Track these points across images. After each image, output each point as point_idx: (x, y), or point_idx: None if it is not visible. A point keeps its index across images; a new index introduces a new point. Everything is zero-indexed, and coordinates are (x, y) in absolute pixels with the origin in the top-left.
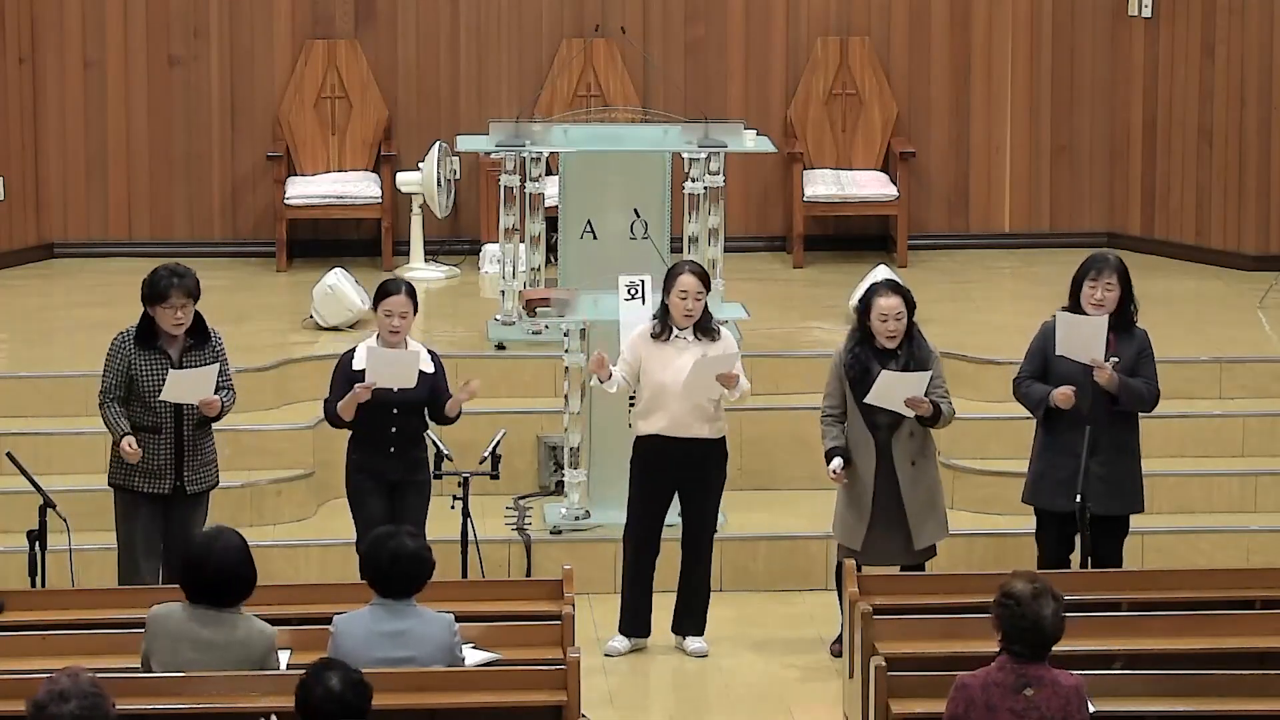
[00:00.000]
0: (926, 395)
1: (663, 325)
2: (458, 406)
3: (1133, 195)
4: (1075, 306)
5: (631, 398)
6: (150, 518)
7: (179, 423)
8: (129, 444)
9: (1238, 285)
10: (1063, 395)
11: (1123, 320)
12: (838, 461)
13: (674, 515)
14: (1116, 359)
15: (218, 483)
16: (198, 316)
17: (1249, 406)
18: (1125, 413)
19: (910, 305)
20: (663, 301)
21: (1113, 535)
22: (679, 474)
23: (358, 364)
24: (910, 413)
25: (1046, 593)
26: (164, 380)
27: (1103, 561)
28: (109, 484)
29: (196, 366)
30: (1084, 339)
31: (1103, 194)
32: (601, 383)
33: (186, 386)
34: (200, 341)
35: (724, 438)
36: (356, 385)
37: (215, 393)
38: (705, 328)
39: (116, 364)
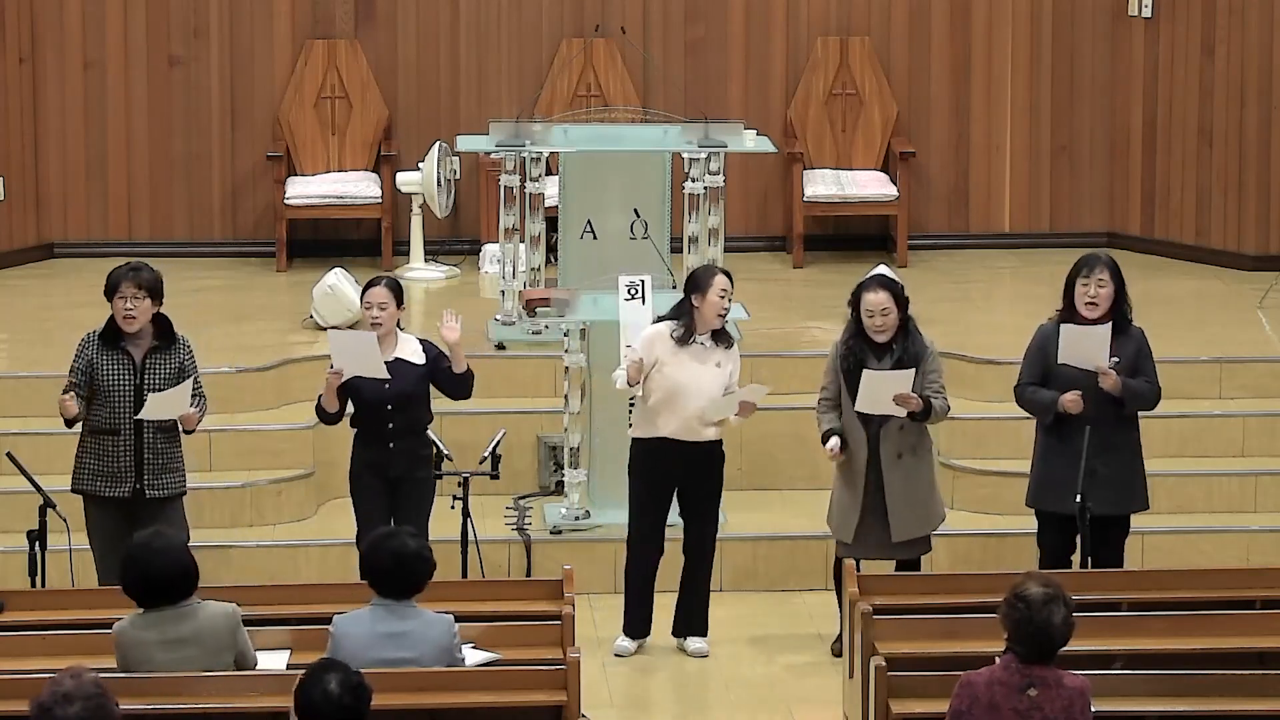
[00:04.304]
0: (920, 391)
1: (687, 329)
2: (461, 359)
3: (1133, 195)
4: (1070, 307)
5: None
6: (111, 523)
7: (139, 425)
8: (67, 399)
9: (1238, 285)
10: (1072, 401)
11: (1120, 319)
12: (835, 441)
13: (673, 515)
14: (1118, 360)
15: (184, 491)
16: (165, 320)
17: (1249, 406)
18: (1128, 414)
19: (900, 301)
20: (688, 304)
21: (1114, 536)
22: (681, 475)
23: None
24: (902, 411)
25: (1058, 599)
26: (124, 380)
27: (1104, 563)
28: (72, 490)
29: (161, 369)
30: (1088, 348)
31: (1103, 194)
32: (630, 385)
33: (164, 405)
34: (166, 345)
35: (722, 439)
36: (328, 372)
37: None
38: (721, 331)
39: (79, 363)
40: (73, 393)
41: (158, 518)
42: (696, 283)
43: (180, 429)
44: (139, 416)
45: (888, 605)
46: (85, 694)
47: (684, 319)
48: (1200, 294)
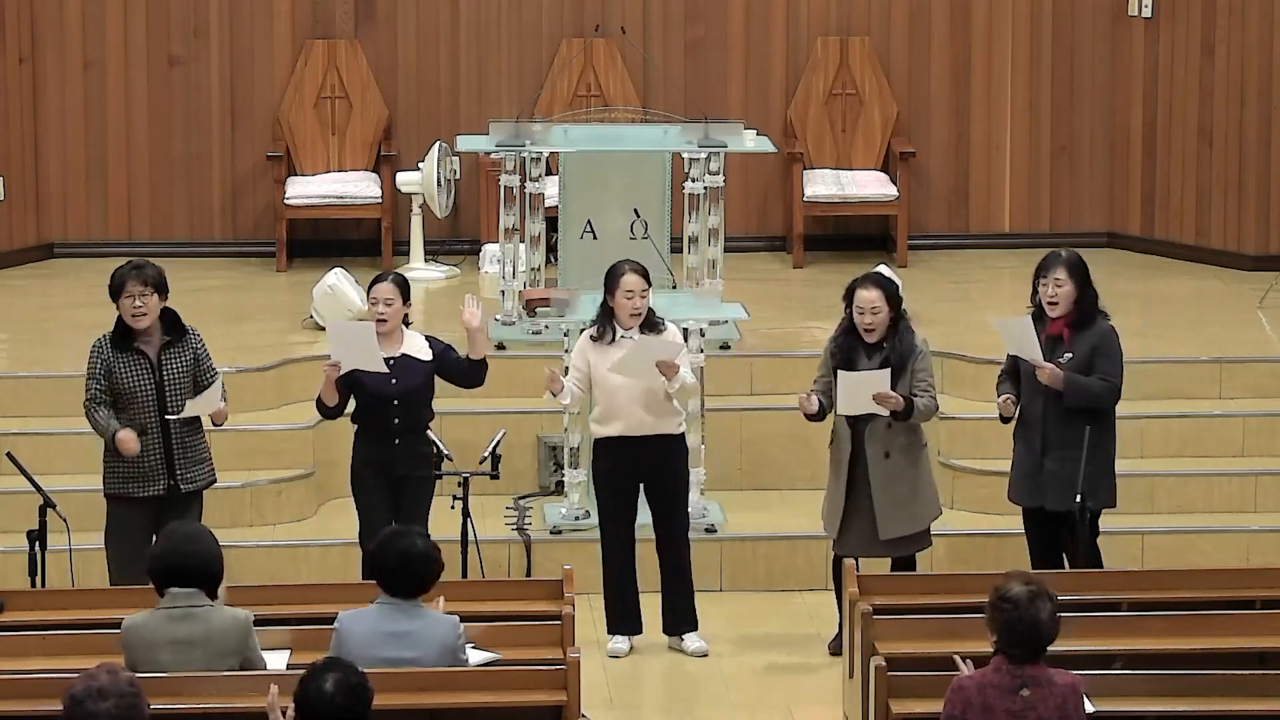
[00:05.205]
0: (908, 390)
1: (604, 327)
2: (479, 346)
3: (1133, 195)
4: (1039, 308)
5: None
6: (143, 526)
7: (165, 422)
8: (126, 435)
9: (1238, 285)
10: (1001, 405)
11: (1081, 316)
12: (810, 398)
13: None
14: (1070, 355)
15: (214, 480)
16: (173, 314)
17: (1249, 406)
18: (1082, 409)
19: (892, 299)
20: (604, 304)
21: (1080, 532)
22: (642, 472)
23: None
24: (884, 410)
25: (1043, 595)
26: (145, 380)
27: (1074, 560)
28: (105, 494)
29: (176, 363)
30: (1019, 340)
31: (1103, 194)
32: (554, 395)
33: (200, 406)
34: (177, 338)
35: (684, 433)
36: (325, 365)
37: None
38: (650, 324)
39: (97, 368)
40: (127, 430)
41: (185, 511)
42: (606, 282)
43: (202, 423)
44: (181, 415)
45: (887, 605)
46: (119, 691)
47: (602, 320)
48: (1200, 294)
